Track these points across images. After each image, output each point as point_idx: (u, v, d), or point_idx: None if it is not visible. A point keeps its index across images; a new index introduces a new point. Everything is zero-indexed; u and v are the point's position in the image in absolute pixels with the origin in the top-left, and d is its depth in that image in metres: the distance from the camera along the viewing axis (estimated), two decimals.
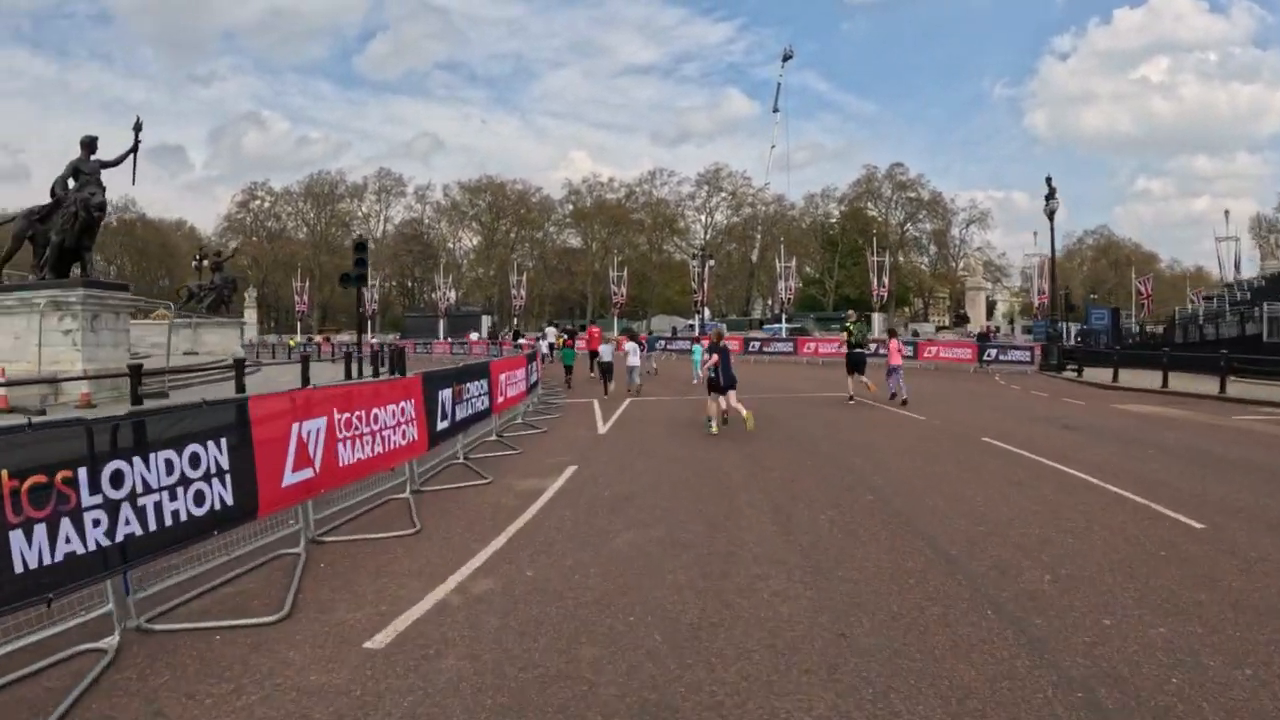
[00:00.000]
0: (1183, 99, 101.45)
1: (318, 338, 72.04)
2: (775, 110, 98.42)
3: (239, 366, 16.99)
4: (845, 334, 18.50)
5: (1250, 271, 50.42)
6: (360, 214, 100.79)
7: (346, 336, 73.40)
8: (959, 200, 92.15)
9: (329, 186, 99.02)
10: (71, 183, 17.98)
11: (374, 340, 49.15)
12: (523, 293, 75.11)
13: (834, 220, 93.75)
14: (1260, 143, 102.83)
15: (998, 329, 68.98)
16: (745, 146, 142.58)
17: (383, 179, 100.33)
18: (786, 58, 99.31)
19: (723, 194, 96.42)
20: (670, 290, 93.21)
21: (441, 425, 9.14)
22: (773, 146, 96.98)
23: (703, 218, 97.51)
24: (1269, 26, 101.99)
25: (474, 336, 56.33)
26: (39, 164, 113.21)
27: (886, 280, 55.76)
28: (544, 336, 33.77)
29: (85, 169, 17.85)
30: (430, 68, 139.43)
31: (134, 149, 18.56)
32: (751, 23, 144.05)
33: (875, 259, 55.13)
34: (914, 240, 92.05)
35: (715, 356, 13.18)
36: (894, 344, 18.45)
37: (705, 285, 59.16)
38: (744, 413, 12.66)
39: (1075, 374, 26.72)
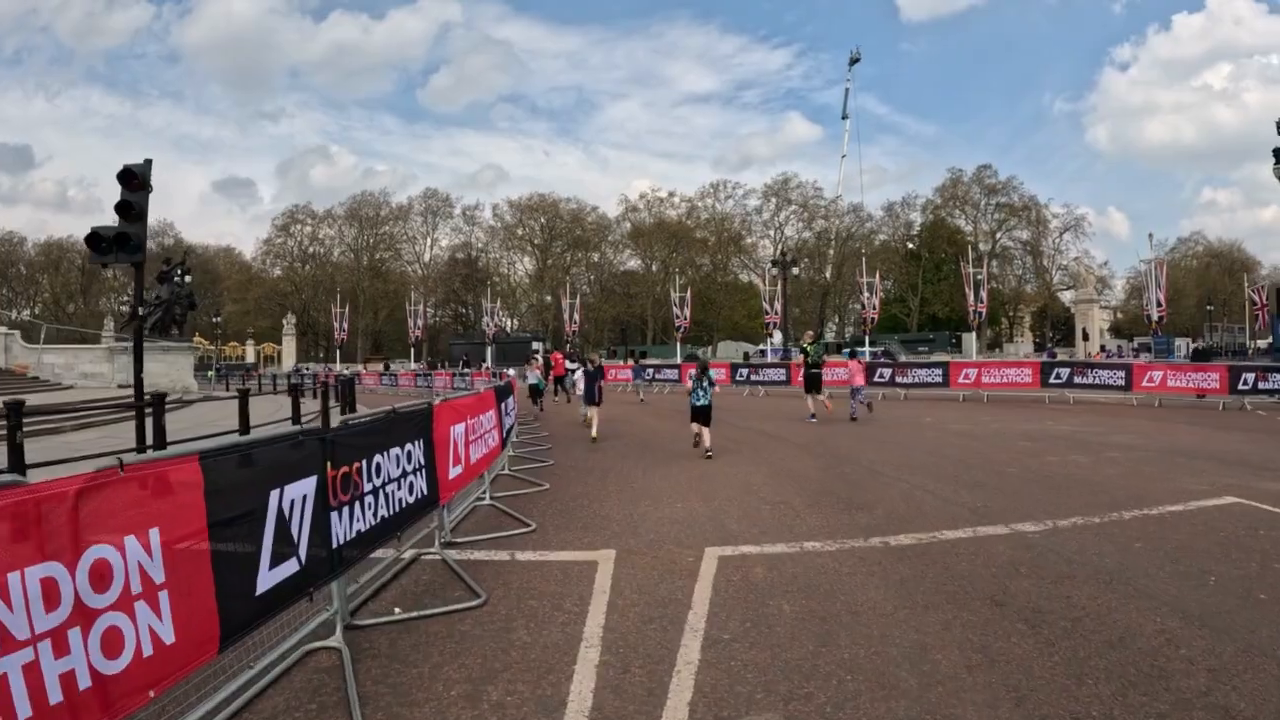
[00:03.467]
0: (1246, 105, 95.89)
1: (359, 367, 68.29)
2: (844, 117, 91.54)
3: (155, 404, 11.26)
4: (803, 355, 19.08)
5: None
6: (407, 236, 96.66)
7: (395, 366, 69.56)
8: (1052, 205, 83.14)
9: (373, 209, 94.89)
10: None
11: (340, 369, 44.10)
12: (576, 317, 69.32)
13: (916, 231, 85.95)
14: None
15: (1104, 349, 60.29)
16: (808, 171, 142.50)
17: (429, 199, 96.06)
18: (854, 61, 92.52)
19: (792, 206, 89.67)
20: (737, 314, 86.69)
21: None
22: (843, 156, 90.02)
23: (771, 233, 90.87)
24: None
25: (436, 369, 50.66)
26: (112, 198, 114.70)
27: (984, 295, 47.89)
28: (531, 367, 27.49)
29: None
30: (494, 100, 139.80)
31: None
32: (809, 48, 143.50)
33: (971, 271, 47.44)
34: (1004, 251, 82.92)
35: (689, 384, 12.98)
36: (856, 364, 19.06)
37: (780, 304, 52.36)
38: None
39: None
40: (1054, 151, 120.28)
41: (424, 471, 6.04)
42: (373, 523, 4.99)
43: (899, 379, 25.31)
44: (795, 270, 63.93)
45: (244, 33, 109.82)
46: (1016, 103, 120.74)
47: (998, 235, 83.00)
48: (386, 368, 49.11)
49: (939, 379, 24.51)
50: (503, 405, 10.70)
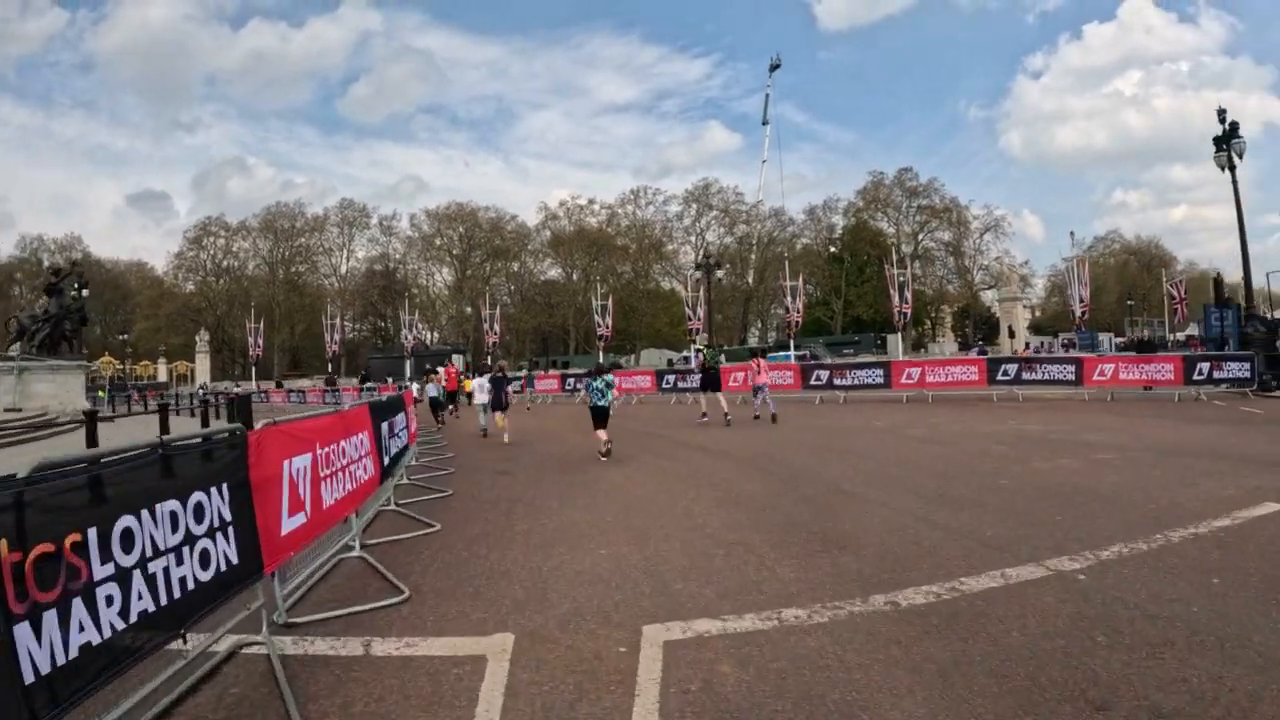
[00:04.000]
0: (1156, 110, 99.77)
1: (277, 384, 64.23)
2: (765, 123, 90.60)
3: None
4: (700, 358, 20.05)
5: None
6: (323, 248, 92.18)
7: (306, 382, 65.78)
8: (972, 207, 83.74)
9: (288, 220, 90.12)
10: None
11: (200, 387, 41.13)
12: (496, 328, 66.56)
13: (838, 235, 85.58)
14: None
15: (1029, 345, 60.57)
16: (728, 178, 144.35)
17: (345, 209, 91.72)
18: (774, 67, 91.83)
19: (713, 212, 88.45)
20: (660, 321, 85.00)
21: None
22: (764, 161, 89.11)
23: (693, 239, 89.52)
24: (1239, 34, 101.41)
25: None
26: (24, 212, 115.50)
27: (909, 296, 47.26)
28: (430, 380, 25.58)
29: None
30: (413, 110, 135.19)
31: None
32: (728, 58, 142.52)
33: (895, 272, 46.69)
34: (926, 252, 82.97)
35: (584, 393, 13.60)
36: (761, 363, 19.07)
37: (703, 309, 50.85)
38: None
39: None
40: (970, 157, 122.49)
41: (232, 530, 3.94)
42: (120, 626, 2.96)
43: (838, 381, 23.73)
44: (719, 275, 62.72)
45: (160, 40, 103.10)
46: (933, 110, 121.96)
47: (920, 237, 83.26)
48: (331, 384, 45.39)
49: (880, 380, 23.00)
50: (385, 425, 8.55)
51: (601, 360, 46.29)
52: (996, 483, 8.48)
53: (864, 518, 7.00)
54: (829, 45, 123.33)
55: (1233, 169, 23.24)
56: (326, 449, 5.90)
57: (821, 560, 5.63)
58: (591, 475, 10.45)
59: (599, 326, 59.88)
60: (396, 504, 8.73)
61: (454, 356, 67.94)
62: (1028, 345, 58.73)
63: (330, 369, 63.11)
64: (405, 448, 10.85)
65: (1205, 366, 19.11)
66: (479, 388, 17.98)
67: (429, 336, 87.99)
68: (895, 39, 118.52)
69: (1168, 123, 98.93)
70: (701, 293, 53.22)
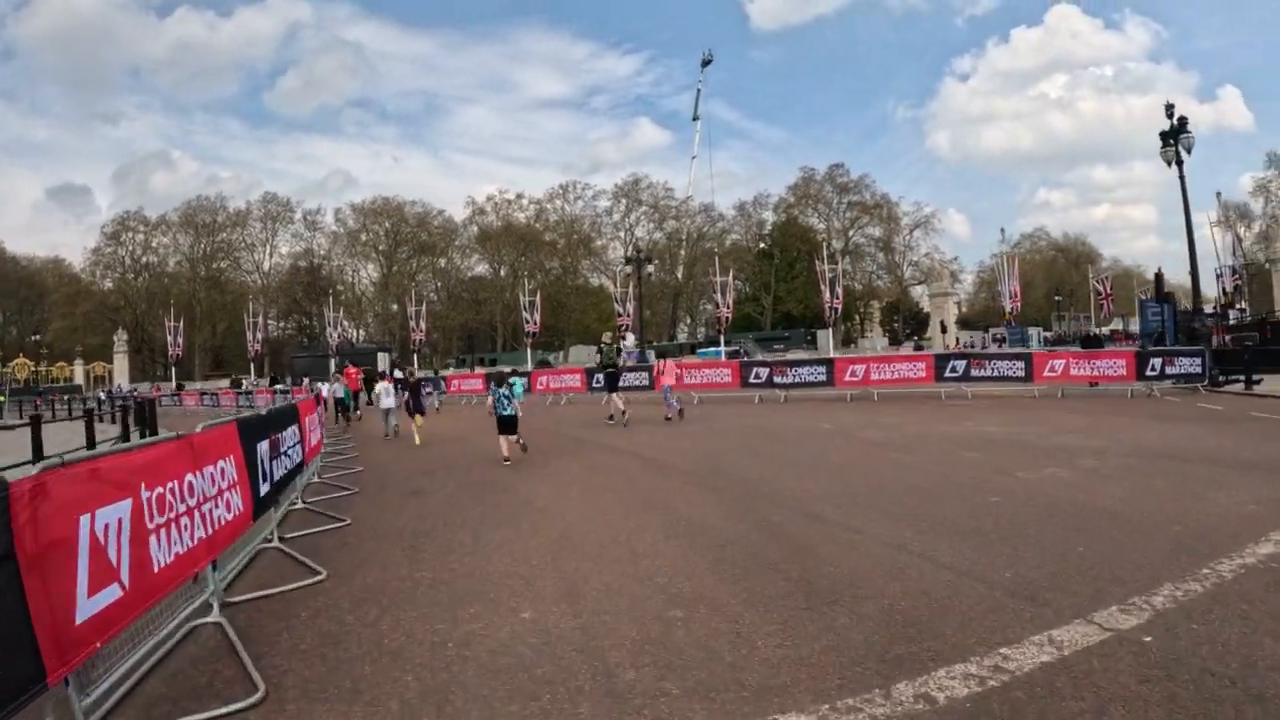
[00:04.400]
0: (1081, 113, 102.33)
1: (198, 385, 60.58)
2: (695, 118, 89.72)
3: None
4: (599, 354, 20.09)
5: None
6: (245, 244, 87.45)
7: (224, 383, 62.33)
8: (902, 204, 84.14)
9: (209, 214, 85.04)
10: None
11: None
12: (423, 325, 64.12)
13: (768, 230, 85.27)
14: (1155, 151, 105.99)
15: (959, 341, 61.04)
16: (657, 175, 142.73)
17: (268, 204, 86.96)
18: (706, 63, 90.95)
19: (643, 208, 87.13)
20: (589, 317, 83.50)
21: None
22: (694, 157, 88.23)
23: (622, 234, 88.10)
24: (1163, 41, 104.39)
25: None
26: None
27: (840, 292, 46.76)
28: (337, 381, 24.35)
29: None
30: (342, 104, 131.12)
31: None
32: (660, 54, 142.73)
33: (826, 268, 46.15)
34: (857, 248, 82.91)
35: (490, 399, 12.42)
36: (668, 364, 19.27)
37: (633, 305, 49.50)
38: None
39: (1245, 387, 18.08)
40: (897, 156, 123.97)
41: None
42: None
43: (778, 379, 22.65)
44: (649, 269, 61.55)
45: (83, 27, 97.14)
46: (861, 110, 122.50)
47: (850, 233, 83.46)
48: (237, 384, 42.47)
49: (822, 377, 21.99)
50: (264, 445, 6.98)
51: (530, 359, 44.68)
52: (985, 499, 7.36)
53: (847, 554, 5.75)
54: (761, 44, 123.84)
55: (1180, 164, 22.95)
56: (158, 490, 4.36)
57: (811, 624, 4.34)
58: (516, 495, 9.00)
59: (527, 323, 58.06)
60: (280, 539, 7.19)
61: (379, 355, 65.47)
62: (958, 341, 59.05)
63: (253, 369, 59.99)
64: (300, 466, 9.27)
65: (1158, 363, 18.59)
66: (385, 392, 18.14)
67: (355, 335, 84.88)
68: (826, 39, 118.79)
69: (1092, 125, 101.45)
70: (631, 288, 51.91)
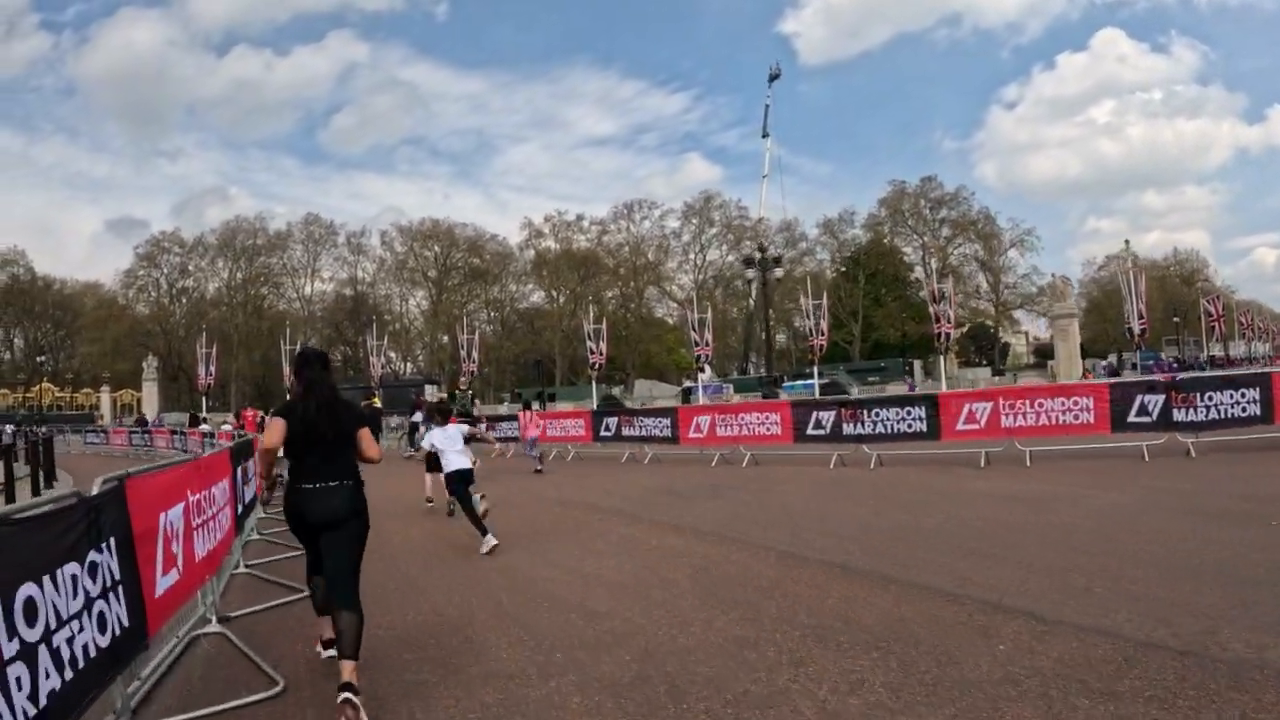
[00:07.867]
0: (1130, 138, 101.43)
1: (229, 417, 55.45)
2: (765, 135, 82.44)
3: None
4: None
5: None
6: (287, 269, 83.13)
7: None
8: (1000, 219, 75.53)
9: (248, 237, 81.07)
10: None
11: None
12: (475, 356, 58.04)
13: (854, 252, 77.42)
14: (1207, 175, 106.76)
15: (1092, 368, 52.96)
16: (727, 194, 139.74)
17: (310, 225, 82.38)
18: (774, 77, 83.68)
19: (715, 228, 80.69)
20: (652, 350, 77.07)
21: None
22: (764, 176, 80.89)
23: (691, 257, 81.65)
24: (1211, 62, 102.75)
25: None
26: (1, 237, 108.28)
27: (951, 315, 39.35)
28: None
29: None
30: (396, 142, 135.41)
31: None
32: (707, 92, 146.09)
33: (937, 287, 38.99)
34: (957, 269, 73.17)
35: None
36: (533, 415, 19.00)
37: (709, 330, 42.60)
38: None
39: None
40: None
41: None
42: None
43: (854, 428, 15.03)
44: (778, 272, 55.04)
45: (143, 65, 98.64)
46: (909, 141, 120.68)
47: (948, 252, 75.72)
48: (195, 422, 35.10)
49: (922, 426, 14.19)
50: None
51: (595, 394, 36.63)
52: None
53: None
54: (809, 78, 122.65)
55: None
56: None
57: None
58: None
59: (591, 353, 51.53)
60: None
61: (427, 388, 59.64)
62: (1090, 369, 51.04)
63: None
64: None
65: None
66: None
67: (404, 367, 79.59)
68: (872, 73, 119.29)
69: (1141, 150, 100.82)
70: (754, 294, 44.40)
